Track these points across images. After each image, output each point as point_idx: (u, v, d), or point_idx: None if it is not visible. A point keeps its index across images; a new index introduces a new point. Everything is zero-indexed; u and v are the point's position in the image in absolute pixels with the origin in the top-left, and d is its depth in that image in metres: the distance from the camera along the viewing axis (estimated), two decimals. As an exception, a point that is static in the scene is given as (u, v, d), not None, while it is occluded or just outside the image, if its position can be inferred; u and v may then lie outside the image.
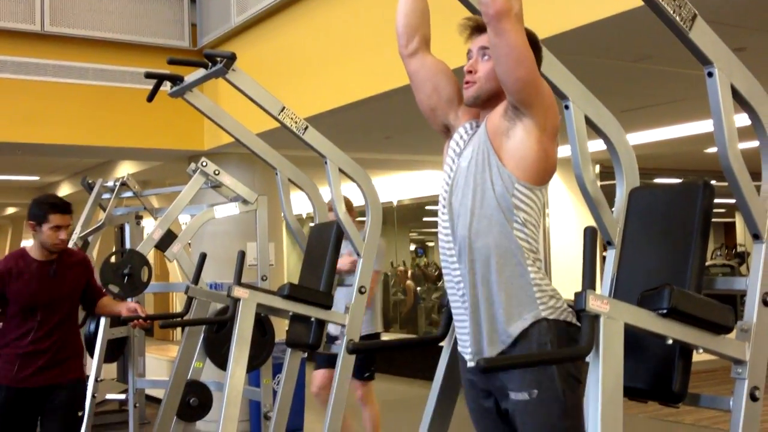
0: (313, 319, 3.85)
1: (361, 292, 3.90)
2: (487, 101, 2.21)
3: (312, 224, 4.37)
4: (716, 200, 2.27)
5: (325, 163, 3.84)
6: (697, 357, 2.18)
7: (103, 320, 5.37)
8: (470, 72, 2.22)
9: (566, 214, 8.28)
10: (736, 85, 2.13)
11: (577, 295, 1.87)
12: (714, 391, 2.31)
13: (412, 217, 11.51)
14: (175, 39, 7.36)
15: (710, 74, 2.09)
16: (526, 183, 2.10)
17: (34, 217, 3.76)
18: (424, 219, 11.42)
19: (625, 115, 5.94)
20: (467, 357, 2.23)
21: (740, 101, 2.18)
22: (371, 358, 5.08)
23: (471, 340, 2.19)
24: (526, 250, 2.12)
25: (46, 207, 3.75)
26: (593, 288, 1.87)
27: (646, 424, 6.56)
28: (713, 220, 2.28)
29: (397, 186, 10.69)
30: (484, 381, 2.20)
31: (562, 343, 2.12)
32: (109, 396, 7.00)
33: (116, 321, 5.26)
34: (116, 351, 5.84)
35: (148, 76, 3.75)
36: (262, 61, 6.52)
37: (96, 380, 5.33)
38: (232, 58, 3.43)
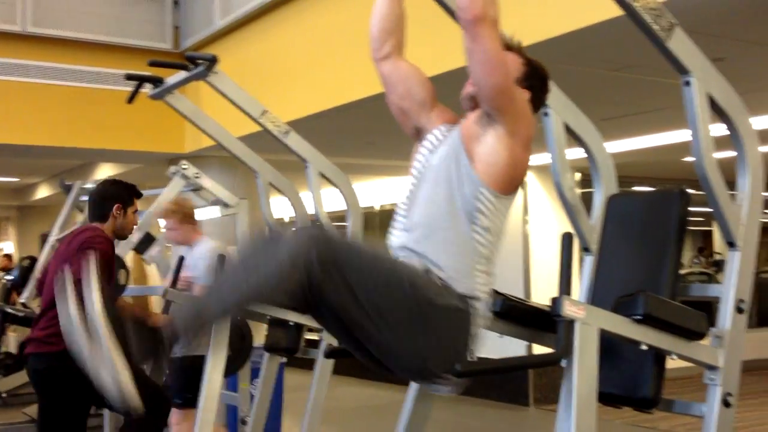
0: (291, 323, 3.84)
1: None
2: (478, 105, 2.21)
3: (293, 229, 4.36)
4: (694, 209, 2.30)
5: (307, 167, 3.84)
6: (675, 363, 2.20)
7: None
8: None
9: (546, 220, 8.32)
10: (713, 95, 2.16)
11: (553, 300, 1.88)
12: (690, 397, 2.33)
13: (393, 223, 11.51)
14: (157, 41, 7.34)
15: (687, 83, 2.11)
16: (492, 190, 2.08)
17: (121, 200, 3.77)
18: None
19: (605, 123, 5.97)
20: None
21: (717, 111, 2.21)
22: (194, 380, 3.97)
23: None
24: (481, 255, 2.08)
25: (131, 191, 3.83)
26: (570, 293, 1.88)
27: (620, 430, 6.60)
28: (691, 228, 2.30)
29: (380, 191, 10.70)
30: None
31: (459, 324, 2.03)
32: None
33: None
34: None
35: (129, 77, 3.74)
36: (245, 65, 6.51)
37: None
38: (213, 61, 3.43)
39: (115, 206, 3.77)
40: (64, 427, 3.70)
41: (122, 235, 3.83)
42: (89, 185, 6.13)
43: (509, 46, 2.19)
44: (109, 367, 1.89)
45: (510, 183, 2.11)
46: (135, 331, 1.98)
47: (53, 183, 11.03)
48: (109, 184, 3.92)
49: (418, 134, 2.34)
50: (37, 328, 3.75)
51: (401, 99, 2.33)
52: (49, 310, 3.69)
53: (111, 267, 3.71)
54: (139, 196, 3.91)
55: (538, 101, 2.23)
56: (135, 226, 3.83)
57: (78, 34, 7.04)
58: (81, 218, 6.01)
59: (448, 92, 2.34)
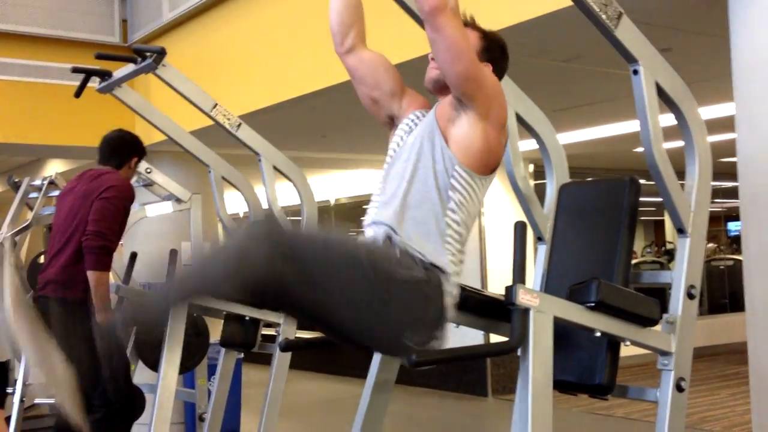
0: (247, 318, 3.81)
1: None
2: (444, 86, 2.21)
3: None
4: (646, 199, 2.33)
5: (259, 161, 3.81)
6: (630, 350, 2.22)
7: (30, 322, 5.23)
8: (433, 59, 2.22)
9: (501, 211, 8.38)
10: (661, 84, 2.19)
11: (507, 289, 1.89)
12: (645, 383, 2.37)
13: (350, 216, 11.51)
14: (104, 34, 7.20)
15: (635, 72, 2.14)
16: (466, 168, 2.08)
17: (138, 155, 4.00)
18: (363, 218, 11.43)
19: (557, 114, 6.04)
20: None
21: (665, 100, 2.23)
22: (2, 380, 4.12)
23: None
24: (452, 230, 2.07)
25: (143, 150, 4.05)
26: (523, 282, 1.89)
27: (577, 418, 6.69)
28: (643, 218, 2.33)
29: (335, 185, 10.67)
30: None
31: (426, 294, 2.02)
32: (38, 401, 6.81)
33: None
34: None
35: (75, 70, 3.67)
36: (195, 58, 6.43)
37: (24, 384, 5.19)
38: (161, 53, 3.38)
39: (134, 158, 4.01)
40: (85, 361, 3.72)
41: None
42: (38, 182, 6.00)
43: (465, 22, 2.19)
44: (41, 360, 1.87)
45: (485, 165, 2.12)
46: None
47: (1, 180, 10.79)
48: (131, 135, 4.11)
49: (392, 122, 2.33)
50: (51, 271, 3.75)
51: (371, 90, 2.32)
52: (62, 253, 3.69)
53: (126, 217, 3.91)
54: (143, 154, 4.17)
55: (501, 71, 2.24)
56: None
57: (23, 27, 6.88)
58: (30, 215, 5.89)
59: (417, 79, 2.34)
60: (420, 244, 2.04)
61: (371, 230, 2.14)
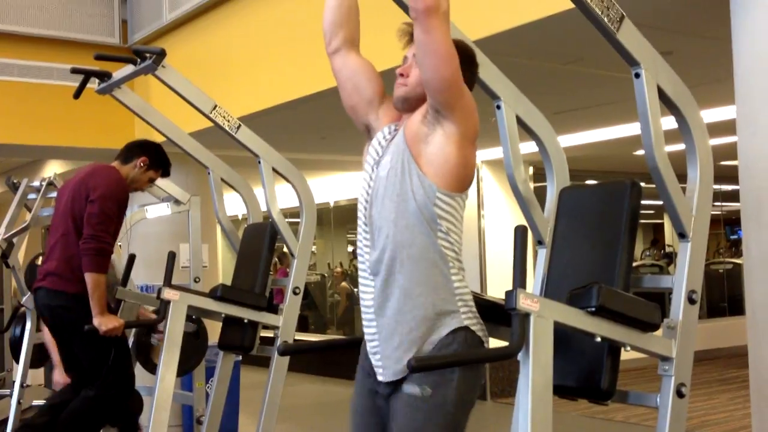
0: (246, 321, 3.80)
1: (294, 293, 3.86)
2: (414, 105, 2.19)
3: (246, 224, 4.31)
4: (646, 202, 2.31)
5: (259, 162, 3.79)
6: (629, 355, 2.21)
7: (28, 324, 5.21)
8: (402, 75, 2.20)
9: (501, 214, 8.36)
10: (662, 87, 2.17)
11: (507, 293, 1.87)
12: (645, 388, 2.35)
13: (349, 218, 11.49)
14: (104, 35, 7.19)
15: (637, 75, 2.12)
16: (446, 191, 2.08)
17: (151, 158, 3.95)
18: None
19: (557, 117, 6.03)
20: (378, 368, 2.19)
21: (667, 103, 2.22)
22: None
23: (383, 354, 2.15)
24: (451, 259, 2.11)
25: (164, 162, 4.06)
26: (524, 287, 1.88)
27: (577, 422, 6.67)
28: (643, 221, 2.32)
29: (334, 186, 10.65)
30: (383, 385, 2.17)
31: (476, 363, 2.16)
32: (35, 402, 6.78)
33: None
34: (42, 356, 5.67)
35: (75, 71, 3.66)
36: (195, 59, 6.42)
37: (22, 386, 5.17)
38: (161, 54, 3.37)
39: (142, 158, 3.94)
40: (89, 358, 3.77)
41: (131, 187, 3.96)
42: (36, 183, 5.99)
43: None
44: None
45: (462, 181, 2.11)
46: None
47: (0, 181, 10.77)
48: (152, 143, 4.10)
49: (368, 131, 2.32)
50: (51, 263, 3.76)
51: (349, 95, 2.31)
52: (60, 244, 3.71)
53: (122, 214, 3.88)
54: (166, 174, 4.14)
55: (471, 80, 2.19)
56: (142, 190, 4.01)
57: (23, 28, 6.86)
58: (28, 216, 5.87)
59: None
60: (432, 295, 2.10)
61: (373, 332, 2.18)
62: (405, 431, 2.07)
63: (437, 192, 2.07)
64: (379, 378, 2.17)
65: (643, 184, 2.37)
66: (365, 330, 2.21)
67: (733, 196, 3.58)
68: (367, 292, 2.19)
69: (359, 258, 2.24)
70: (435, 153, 2.08)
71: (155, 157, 4.02)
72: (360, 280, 2.23)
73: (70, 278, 3.75)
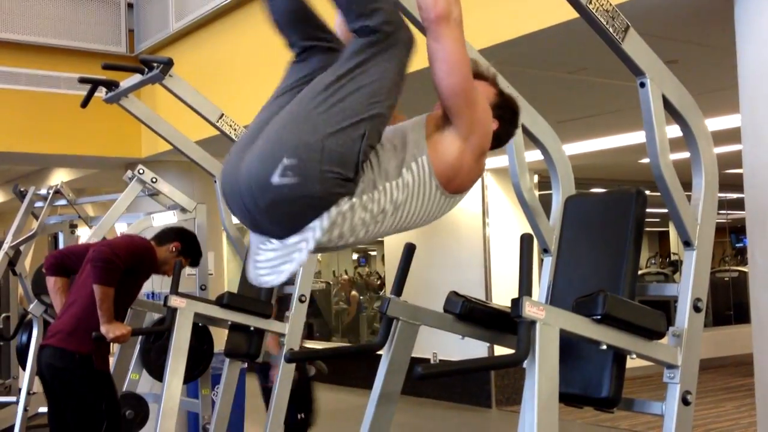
0: (252, 329, 3.81)
1: (300, 300, 3.87)
2: None
3: (252, 233, 4.33)
4: (651, 210, 2.32)
5: (265, 171, 3.81)
6: (635, 363, 2.21)
7: (35, 331, 5.23)
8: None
9: (506, 223, 8.37)
10: (667, 96, 2.19)
11: (513, 301, 1.88)
12: (650, 396, 2.36)
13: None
14: (111, 44, 7.23)
15: (642, 84, 2.13)
16: (431, 167, 1.97)
17: (184, 247, 3.97)
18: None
19: (562, 125, 6.04)
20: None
21: (672, 112, 2.23)
22: None
23: None
24: (379, 198, 1.90)
25: (196, 253, 4.11)
26: (530, 294, 1.89)
27: (582, 430, 6.66)
28: (648, 229, 2.33)
29: (339, 195, 10.66)
30: None
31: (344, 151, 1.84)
32: (41, 410, 6.80)
33: (49, 332, 5.12)
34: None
35: (82, 81, 3.68)
36: (201, 68, 6.45)
37: (28, 393, 5.18)
38: (168, 64, 3.39)
39: (175, 243, 3.94)
40: (81, 429, 3.70)
41: (159, 270, 3.97)
42: (43, 191, 6.02)
43: (484, 76, 2.15)
44: None
45: (449, 180, 2.01)
46: None
47: (6, 189, 10.81)
48: (189, 232, 4.18)
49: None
50: (63, 320, 3.72)
51: None
52: (78, 302, 3.66)
53: (141, 277, 3.88)
54: (194, 264, 4.19)
55: (506, 134, 2.15)
56: (168, 275, 3.94)
57: (31, 37, 6.91)
58: (35, 224, 5.90)
59: (419, 87, 2.32)
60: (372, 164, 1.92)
61: None
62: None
63: (424, 155, 1.97)
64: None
65: (648, 192, 2.38)
66: None
67: (739, 204, 3.58)
68: None
69: None
70: (440, 142, 2.03)
71: (188, 246, 4.03)
72: None
73: (82, 338, 3.65)
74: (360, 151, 1.84)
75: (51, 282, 3.98)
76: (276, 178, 1.77)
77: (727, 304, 10.98)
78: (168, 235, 4.02)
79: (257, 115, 2.03)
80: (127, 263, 3.63)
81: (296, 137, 1.81)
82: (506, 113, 2.11)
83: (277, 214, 1.83)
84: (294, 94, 2.00)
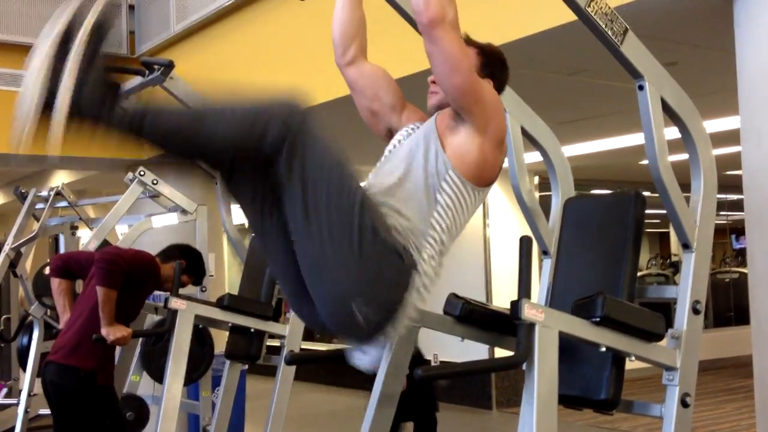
0: (252, 330, 3.82)
1: (301, 302, 3.87)
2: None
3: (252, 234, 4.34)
4: (651, 211, 2.33)
5: (265, 173, 3.81)
6: (634, 364, 2.22)
7: (36, 333, 5.24)
8: (434, 82, 2.22)
9: (506, 224, 8.37)
10: (666, 99, 2.19)
11: (512, 303, 1.89)
12: (649, 398, 2.36)
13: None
14: (112, 46, 7.23)
15: (641, 87, 2.14)
16: (459, 174, 2.05)
17: (189, 264, 3.99)
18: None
19: (561, 127, 6.02)
20: None
21: (670, 114, 2.24)
22: None
23: None
24: (435, 231, 2.01)
25: (200, 272, 4.13)
26: (529, 297, 1.89)
27: (581, 431, 6.66)
28: (648, 230, 2.33)
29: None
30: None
31: (392, 285, 1.91)
32: (42, 411, 6.81)
33: (50, 335, 5.13)
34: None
35: (83, 83, 3.68)
36: (202, 70, 6.46)
37: (29, 395, 5.19)
38: (169, 66, 3.40)
39: (180, 261, 3.94)
40: None
41: (162, 286, 3.99)
42: (44, 193, 6.02)
43: None
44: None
45: (479, 177, 2.08)
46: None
47: (7, 191, 10.81)
48: (194, 250, 4.19)
49: (390, 135, 2.33)
50: (67, 335, 3.72)
51: (371, 102, 2.32)
52: (83, 317, 3.67)
53: (145, 291, 3.92)
54: (197, 283, 4.22)
55: (501, 84, 2.21)
56: (168, 291, 3.94)
57: (28, 38, 6.90)
58: (36, 226, 5.91)
59: (418, 93, 2.34)
60: (405, 225, 1.98)
61: None
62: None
63: (449, 169, 2.05)
64: None
65: (648, 194, 2.39)
66: None
67: (739, 206, 3.58)
68: None
69: None
70: (458, 143, 2.07)
71: (192, 264, 4.04)
72: None
73: (85, 354, 3.66)
74: (393, 243, 1.91)
75: (55, 284, 3.99)
76: (359, 318, 1.85)
77: (728, 306, 10.97)
78: (173, 252, 4.02)
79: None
80: (131, 269, 3.63)
81: (341, 283, 1.86)
82: (495, 67, 2.14)
83: (375, 327, 1.91)
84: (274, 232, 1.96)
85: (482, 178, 2.09)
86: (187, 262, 3.97)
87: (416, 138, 2.15)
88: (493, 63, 2.14)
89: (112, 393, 3.82)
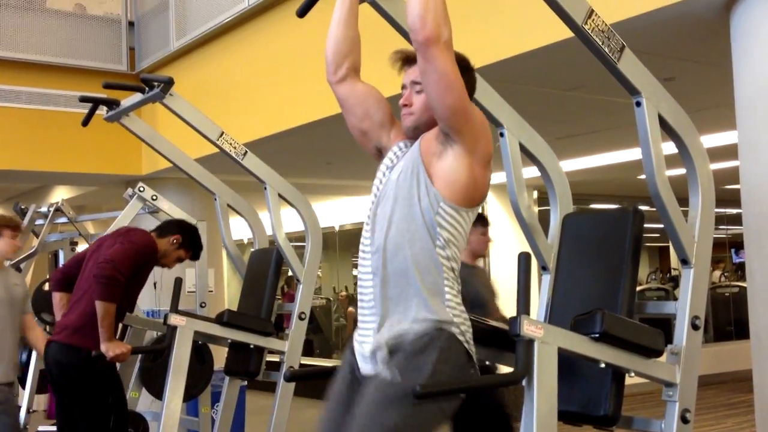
0: (252, 347, 3.81)
1: (300, 318, 3.88)
2: (425, 129, 2.22)
3: (252, 250, 4.34)
4: (651, 225, 2.33)
5: (265, 188, 3.83)
6: (634, 380, 2.22)
7: (35, 350, 5.22)
8: (406, 105, 2.23)
9: (505, 239, 8.37)
10: (663, 115, 2.20)
11: (511, 320, 1.89)
12: (649, 414, 2.36)
13: (354, 242, 11.47)
14: (112, 63, 7.27)
15: (638, 104, 2.15)
16: (452, 204, 2.09)
17: (185, 239, 3.99)
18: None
19: (560, 142, 6.07)
20: (361, 342, 2.18)
21: (668, 130, 2.25)
22: None
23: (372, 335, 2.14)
24: (446, 269, 2.09)
25: (197, 245, 4.11)
26: (528, 313, 1.89)
27: (584, 447, 6.62)
28: (648, 244, 2.33)
29: (339, 211, 10.68)
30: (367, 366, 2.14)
31: (456, 361, 2.03)
32: (41, 428, 6.78)
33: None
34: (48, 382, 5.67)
35: (83, 99, 3.70)
36: (202, 86, 6.48)
37: (28, 411, 5.18)
38: (169, 83, 3.41)
39: (176, 236, 3.97)
40: (89, 424, 3.72)
41: (159, 262, 3.99)
42: (44, 209, 6.03)
43: None
44: None
45: (470, 199, 2.12)
46: None
47: (7, 207, 10.81)
48: (191, 225, 4.18)
49: (380, 154, 2.34)
50: (70, 317, 3.73)
51: (360, 120, 2.33)
52: (84, 299, 3.68)
53: (145, 272, 3.89)
54: (195, 257, 4.19)
55: (471, 88, 2.20)
56: (168, 267, 4.01)
57: (32, 55, 6.95)
58: (36, 242, 5.91)
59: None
60: (425, 294, 2.06)
61: (369, 320, 2.15)
62: (364, 411, 2.01)
63: (441, 202, 2.09)
64: (362, 364, 2.16)
65: (647, 208, 2.39)
66: (360, 324, 2.20)
67: (738, 220, 3.59)
68: (366, 287, 2.18)
69: (360, 255, 2.23)
70: (445, 169, 2.10)
71: (189, 239, 4.05)
72: (360, 275, 2.22)
73: (88, 334, 3.68)
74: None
75: (56, 298, 4.00)
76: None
77: (728, 320, 10.95)
78: (169, 227, 4.05)
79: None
80: (131, 273, 3.67)
81: None
82: (467, 75, 2.12)
83: None
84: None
85: (474, 198, 2.13)
86: (183, 237, 3.99)
87: (403, 173, 2.16)
88: (461, 69, 2.11)
89: (115, 373, 3.84)
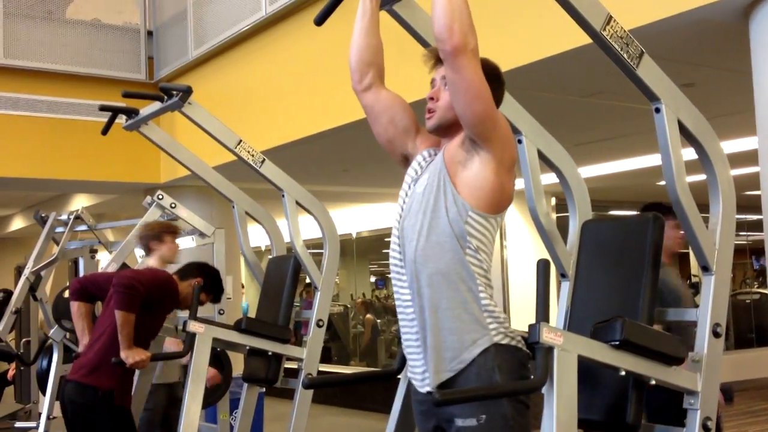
0: (270, 353, 3.82)
1: (318, 325, 3.88)
2: (448, 129, 2.22)
3: (270, 257, 4.35)
4: (670, 232, 2.30)
5: (282, 196, 3.84)
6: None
7: (55, 356, 5.26)
8: (432, 99, 2.23)
9: (523, 246, 8.34)
10: (683, 120, 2.19)
11: (530, 327, 1.88)
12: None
13: (371, 249, 11.51)
14: (131, 72, 7.32)
15: (657, 110, 2.14)
16: (480, 212, 2.11)
17: (207, 283, 3.97)
18: (383, 251, 11.44)
19: (578, 148, 6.04)
20: (417, 384, 2.22)
21: (687, 136, 2.23)
22: None
23: (422, 368, 2.17)
24: (479, 276, 2.12)
25: (219, 293, 4.12)
26: (547, 320, 1.88)
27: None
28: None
29: (357, 218, 10.70)
30: (433, 409, 2.17)
31: (511, 368, 2.08)
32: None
33: (69, 358, 5.14)
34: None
35: (103, 108, 3.72)
36: (220, 95, 6.52)
37: (48, 418, 5.20)
38: (188, 92, 3.42)
39: (198, 279, 3.95)
40: None
41: (180, 305, 4.04)
42: (64, 217, 6.07)
43: None
44: None
45: (497, 205, 2.14)
46: None
47: (28, 215, 10.91)
48: (212, 269, 4.17)
49: (406, 161, 2.35)
50: (88, 355, 3.74)
51: (386, 128, 2.34)
52: (105, 336, 3.69)
53: (163, 309, 3.91)
54: (216, 300, 4.17)
55: (498, 98, 2.21)
56: (186, 309, 3.97)
57: (52, 65, 7.01)
58: (56, 250, 5.95)
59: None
60: (461, 318, 2.10)
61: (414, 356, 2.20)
62: None
63: (470, 211, 2.11)
64: (425, 389, 2.18)
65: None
66: (405, 342, 2.24)
67: (759, 226, 3.56)
68: (401, 305, 2.22)
69: (392, 272, 2.26)
70: (471, 177, 2.12)
71: (210, 282, 4.04)
72: (395, 293, 2.25)
73: (103, 373, 3.66)
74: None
75: (75, 307, 4.02)
76: None
77: (749, 327, 10.85)
78: (191, 270, 4.03)
79: None
80: (149, 291, 3.65)
81: None
82: (492, 82, 2.12)
83: None
84: None
85: (501, 204, 2.15)
86: (205, 280, 3.98)
87: (429, 185, 2.18)
88: (492, 79, 2.14)
89: (129, 414, 3.82)
